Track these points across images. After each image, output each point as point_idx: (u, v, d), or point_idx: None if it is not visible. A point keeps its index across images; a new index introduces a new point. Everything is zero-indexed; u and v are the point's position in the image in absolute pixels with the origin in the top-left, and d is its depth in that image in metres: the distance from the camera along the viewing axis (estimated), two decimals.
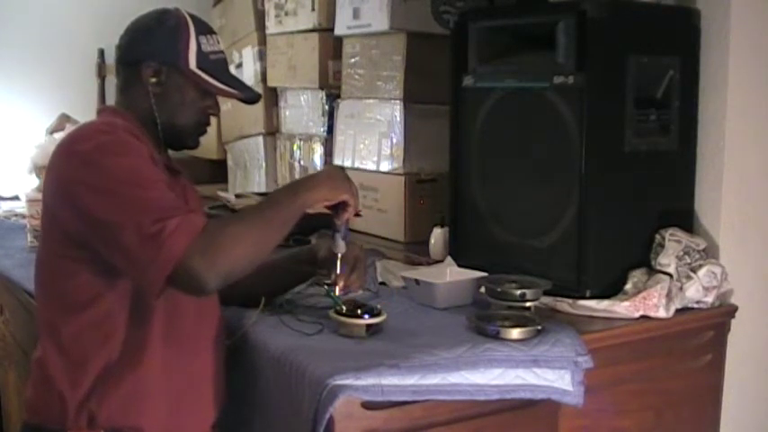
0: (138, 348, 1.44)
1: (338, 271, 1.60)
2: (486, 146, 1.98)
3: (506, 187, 1.93)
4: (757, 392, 2.02)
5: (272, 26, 3.11)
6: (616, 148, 1.78)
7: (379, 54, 2.58)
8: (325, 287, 1.64)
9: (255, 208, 1.51)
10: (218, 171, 3.56)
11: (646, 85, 1.81)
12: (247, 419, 1.61)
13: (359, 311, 1.56)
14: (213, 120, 1.62)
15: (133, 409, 1.44)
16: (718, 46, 1.87)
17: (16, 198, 3.27)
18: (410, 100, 2.50)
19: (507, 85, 1.90)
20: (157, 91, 1.52)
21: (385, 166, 2.56)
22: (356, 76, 2.69)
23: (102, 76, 3.71)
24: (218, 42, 1.58)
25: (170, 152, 1.61)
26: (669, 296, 1.73)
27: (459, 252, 2.03)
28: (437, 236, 2.22)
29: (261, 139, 3.24)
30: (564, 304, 1.75)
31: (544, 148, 1.83)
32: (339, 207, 1.52)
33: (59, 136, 2.68)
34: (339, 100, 2.78)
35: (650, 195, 1.86)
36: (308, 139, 3.00)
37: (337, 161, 2.74)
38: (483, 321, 1.57)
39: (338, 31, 2.74)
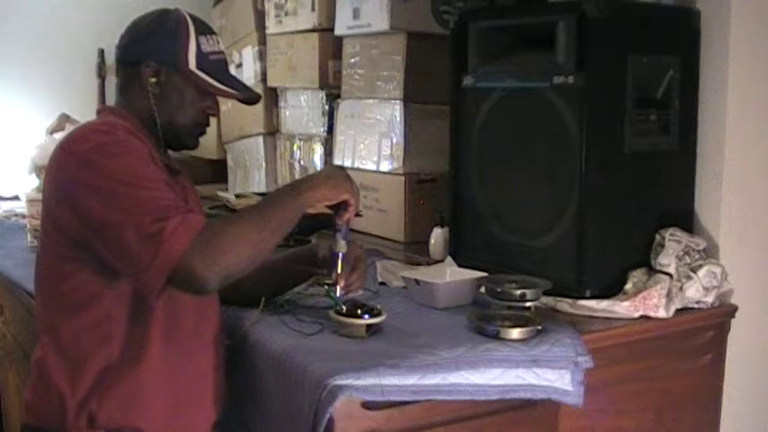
0: (138, 348, 1.44)
1: (339, 271, 1.60)
2: (486, 146, 1.98)
3: (506, 187, 1.93)
4: (757, 392, 2.02)
5: (272, 26, 3.11)
6: (616, 148, 1.78)
7: (379, 54, 2.58)
8: (326, 287, 1.64)
9: (256, 207, 1.51)
10: (218, 171, 3.56)
11: (646, 85, 1.81)
12: (247, 419, 1.61)
13: (359, 311, 1.56)
14: (213, 120, 1.62)
15: (133, 409, 1.44)
16: (718, 46, 1.87)
17: (16, 198, 3.27)
18: (410, 100, 2.50)
19: (507, 85, 1.90)
20: (157, 91, 1.52)
21: (385, 166, 2.56)
22: (356, 76, 2.69)
23: (102, 76, 3.71)
24: (218, 43, 1.58)
25: (170, 152, 1.61)
26: (669, 296, 1.73)
27: (459, 252, 2.03)
28: (437, 236, 2.22)
29: (261, 139, 3.24)
30: (564, 304, 1.75)
31: (544, 148, 1.83)
32: (340, 207, 1.52)
33: (59, 136, 2.68)
34: (339, 100, 2.79)
35: (650, 195, 1.86)
36: (308, 139, 3.00)
37: (337, 161, 2.74)
38: (483, 321, 1.57)
39: (338, 31, 2.74)
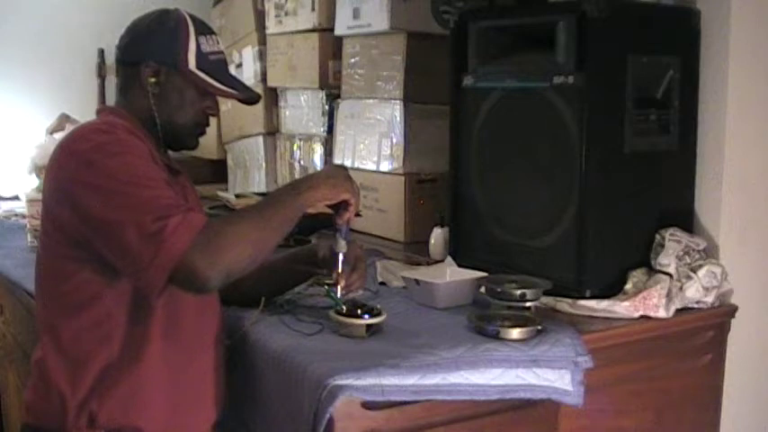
0: (139, 348, 1.44)
1: (339, 271, 1.60)
2: (485, 146, 1.98)
3: (506, 187, 1.93)
4: (757, 392, 2.02)
5: (272, 26, 3.11)
6: (616, 148, 1.78)
7: (379, 54, 2.58)
8: (326, 287, 1.64)
9: (256, 207, 1.51)
10: (218, 171, 3.56)
11: (646, 85, 1.81)
12: (247, 419, 1.61)
13: (359, 311, 1.56)
14: (213, 120, 1.62)
15: (133, 408, 1.44)
16: (718, 46, 1.87)
17: (16, 198, 3.27)
18: (410, 100, 2.50)
19: (507, 85, 1.90)
20: (156, 91, 1.52)
21: (385, 166, 2.56)
22: (356, 76, 2.69)
23: (102, 76, 3.70)
24: (218, 43, 1.58)
25: (170, 152, 1.61)
26: (669, 296, 1.73)
27: (459, 252, 2.03)
28: (437, 236, 2.22)
29: (261, 139, 3.24)
30: (564, 304, 1.75)
31: (544, 148, 1.83)
32: (340, 206, 1.52)
33: (59, 136, 2.67)
34: (339, 100, 2.79)
35: (650, 195, 1.86)
36: (308, 139, 3.00)
37: (337, 161, 2.74)
38: (483, 321, 1.57)
39: (338, 31, 2.74)
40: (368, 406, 1.38)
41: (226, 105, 3.19)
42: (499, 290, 1.66)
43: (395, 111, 2.52)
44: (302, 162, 3.04)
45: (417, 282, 1.77)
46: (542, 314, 1.66)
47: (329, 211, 1.54)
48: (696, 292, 1.77)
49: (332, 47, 2.83)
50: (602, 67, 1.75)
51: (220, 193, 3.02)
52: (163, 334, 1.46)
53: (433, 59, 2.38)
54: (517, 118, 1.89)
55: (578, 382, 1.54)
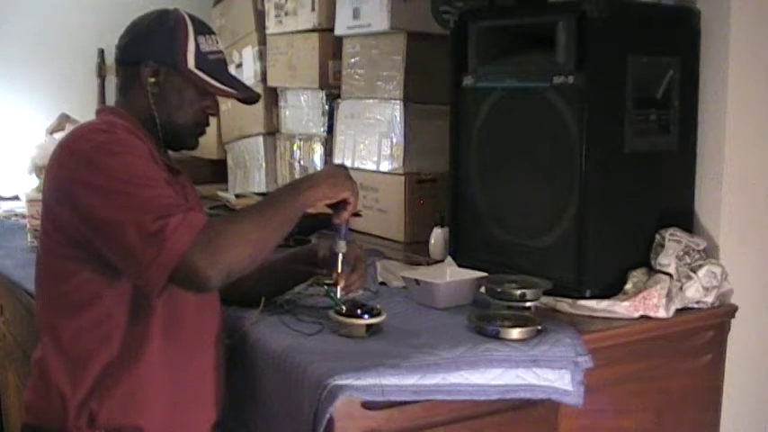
0: (139, 347, 1.44)
1: (339, 271, 1.60)
2: (486, 146, 1.98)
3: (506, 187, 1.93)
4: (757, 392, 2.02)
5: (272, 26, 3.11)
6: (616, 148, 1.78)
7: (379, 54, 2.58)
8: (326, 287, 1.64)
9: (257, 206, 1.51)
10: (218, 171, 3.56)
11: (646, 85, 1.81)
12: (247, 419, 1.61)
13: (359, 311, 1.56)
14: (213, 120, 1.62)
15: (133, 408, 1.44)
16: (719, 46, 1.87)
17: (16, 198, 3.27)
18: (410, 100, 2.50)
19: (507, 85, 1.90)
20: (156, 91, 1.52)
21: (385, 166, 2.56)
22: (356, 76, 2.69)
23: (102, 76, 3.71)
24: (218, 43, 1.58)
25: (170, 152, 1.61)
26: (669, 296, 1.73)
27: (459, 252, 2.03)
28: (437, 236, 2.22)
29: (261, 139, 3.24)
30: (564, 304, 1.75)
31: (544, 148, 1.83)
32: (340, 206, 1.52)
33: (59, 136, 2.67)
34: (339, 100, 2.79)
35: (650, 195, 1.86)
36: (308, 139, 3.00)
37: (337, 161, 2.74)
38: (483, 321, 1.57)
39: (338, 31, 2.74)
40: (368, 406, 1.38)
41: (226, 105, 3.19)
42: (499, 290, 1.66)
43: (395, 111, 2.52)
44: (302, 162, 3.04)
45: (417, 282, 1.77)
46: (542, 314, 1.66)
47: (329, 210, 1.54)
48: (696, 292, 1.77)
49: (332, 47, 2.83)
50: (602, 67, 1.75)
51: (220, 193, 3.02)
52: (163, 333, 1.46)
53: (433, 59, 2.38)
54: (517, 118, 1.89)
55: (578, 382, 1.54)
